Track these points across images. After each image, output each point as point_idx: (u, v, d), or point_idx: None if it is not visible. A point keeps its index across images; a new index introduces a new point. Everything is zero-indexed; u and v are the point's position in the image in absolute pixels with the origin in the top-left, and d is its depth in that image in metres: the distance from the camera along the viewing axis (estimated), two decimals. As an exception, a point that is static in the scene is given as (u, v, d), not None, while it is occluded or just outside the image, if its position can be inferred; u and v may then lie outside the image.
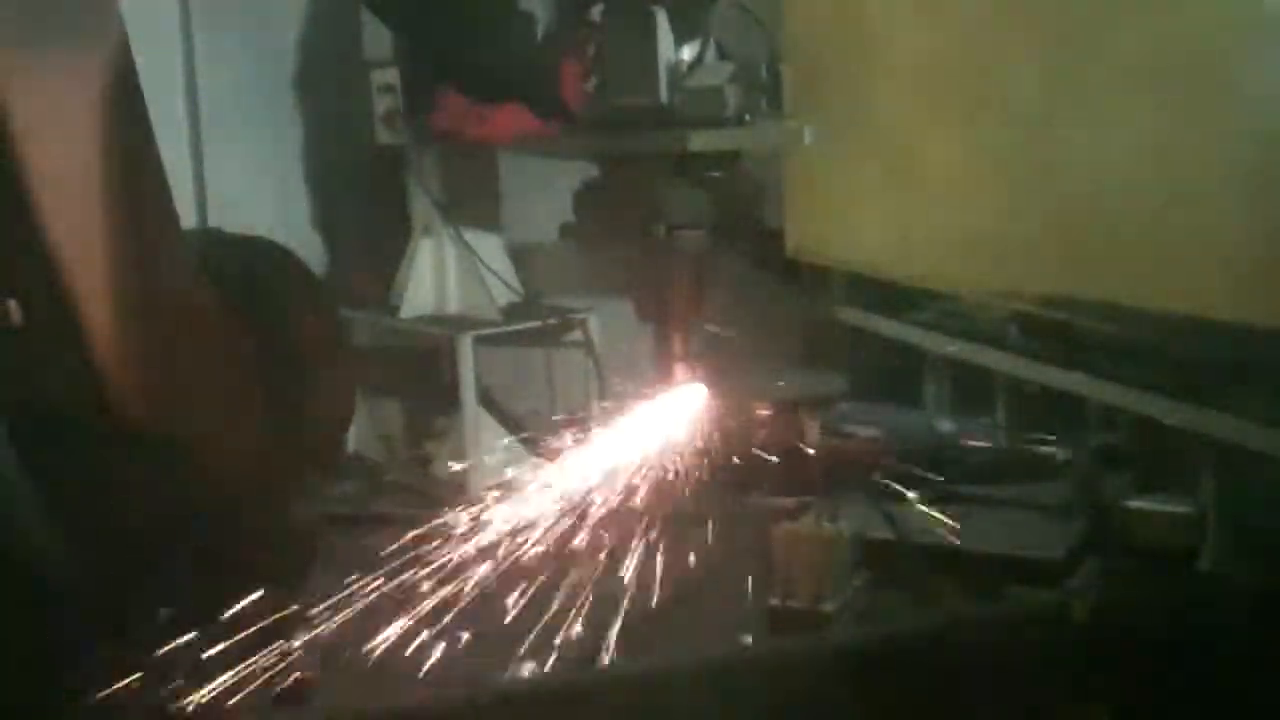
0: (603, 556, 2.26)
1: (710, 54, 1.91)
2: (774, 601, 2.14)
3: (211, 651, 1.88)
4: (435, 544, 2.20)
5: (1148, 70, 2.57)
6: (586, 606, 2.23)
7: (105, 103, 1.78)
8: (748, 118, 1.89)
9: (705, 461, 2.32)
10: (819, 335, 4.01)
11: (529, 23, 3.00)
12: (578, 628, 2.23)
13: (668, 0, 1.88)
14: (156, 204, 1.93)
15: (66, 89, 1.75)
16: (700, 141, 1.83)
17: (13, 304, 1.77)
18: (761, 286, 4.18)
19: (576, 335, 4.16)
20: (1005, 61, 2.93)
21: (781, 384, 2.54)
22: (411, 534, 2.19)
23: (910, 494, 2.34)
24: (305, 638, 2.01)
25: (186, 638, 1.88)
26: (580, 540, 2.25)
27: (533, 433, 4.30)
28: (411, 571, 2.16)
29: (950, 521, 2.26)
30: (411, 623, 2.11)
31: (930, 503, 2.32)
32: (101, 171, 1.78)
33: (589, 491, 2.27)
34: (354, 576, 2.11)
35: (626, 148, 1.91)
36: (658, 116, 1.86)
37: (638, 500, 2.26)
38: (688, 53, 1.87)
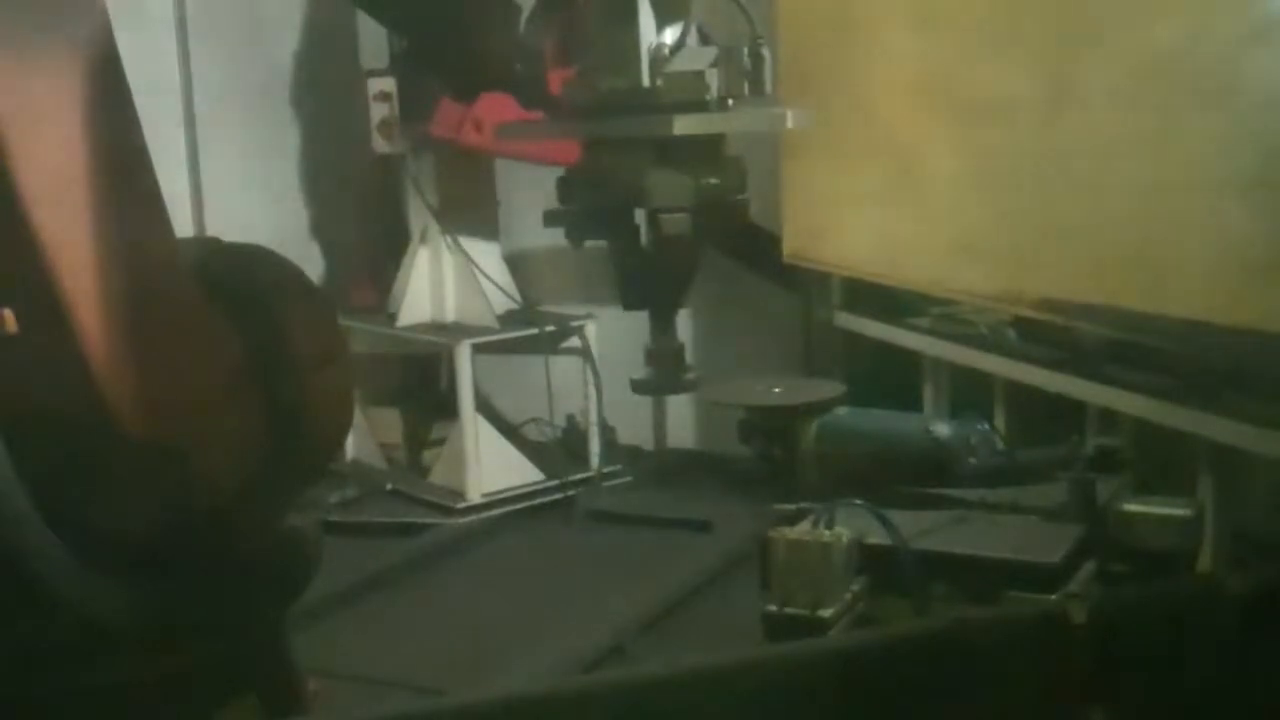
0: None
1: (692, 38, 1.90)
2: (771, 607, 2.13)
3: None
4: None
5: (1145, 73, 2.57)
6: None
7: (94, 107, 1.78)
8: (730, 102, 1.88)
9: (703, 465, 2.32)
10: (817, 339, 4.01)
11: (514, 10, 3.00)
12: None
13: None
14: (148, 210, 1.92)
15: (54, 94, 1.75)
16: (683, 125, 1.81)
17: (7, 312, 1.76)
18: (760, 291, 4.18)
19: (574, 342, 4.16)
20: (1003, 63, 2.93)
21: (779, 389, 2.53)
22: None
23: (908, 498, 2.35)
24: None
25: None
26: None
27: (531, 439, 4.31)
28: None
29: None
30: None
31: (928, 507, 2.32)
32: (92, 177, 1.77)
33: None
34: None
35: (609, 132, 1.90)
36: (640, 101, 1.84)
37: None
38: (670, 36, 1.86)
